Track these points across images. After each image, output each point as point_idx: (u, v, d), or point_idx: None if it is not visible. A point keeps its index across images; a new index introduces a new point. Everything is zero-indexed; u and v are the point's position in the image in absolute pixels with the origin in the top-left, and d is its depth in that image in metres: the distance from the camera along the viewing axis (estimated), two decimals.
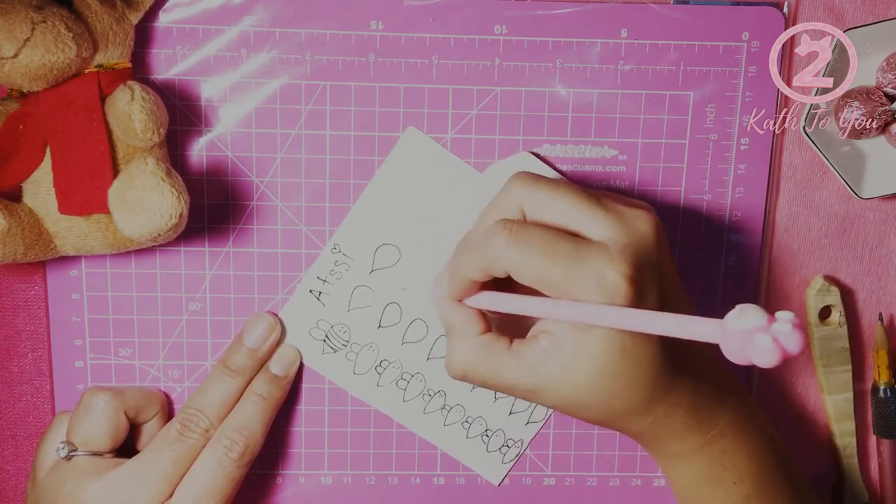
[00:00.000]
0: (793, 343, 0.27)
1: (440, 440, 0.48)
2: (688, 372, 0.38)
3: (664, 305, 0.36)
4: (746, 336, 0.27)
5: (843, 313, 0.48)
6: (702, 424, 0.39)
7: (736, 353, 0.28)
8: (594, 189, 0.39)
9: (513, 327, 0.40)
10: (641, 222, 0.37)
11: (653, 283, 0.36)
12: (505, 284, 0.39)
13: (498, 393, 0.48)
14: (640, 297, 0.35)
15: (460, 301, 0.39)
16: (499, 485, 0.49)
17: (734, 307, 0.28)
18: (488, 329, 0.39)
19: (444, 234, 0.46)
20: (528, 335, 0.38)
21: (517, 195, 0.38)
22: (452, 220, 0.46)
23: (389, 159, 0.46)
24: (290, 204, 0.46)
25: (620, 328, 0.34)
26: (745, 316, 0.28)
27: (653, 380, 0.37)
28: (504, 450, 0.49)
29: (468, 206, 0.46)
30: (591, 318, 0.34)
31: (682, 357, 0.38)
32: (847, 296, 0.50)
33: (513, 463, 0.49)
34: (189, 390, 0.47)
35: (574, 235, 0.36)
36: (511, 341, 0.38)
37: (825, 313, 0.49)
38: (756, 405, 0.43)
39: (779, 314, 0.28)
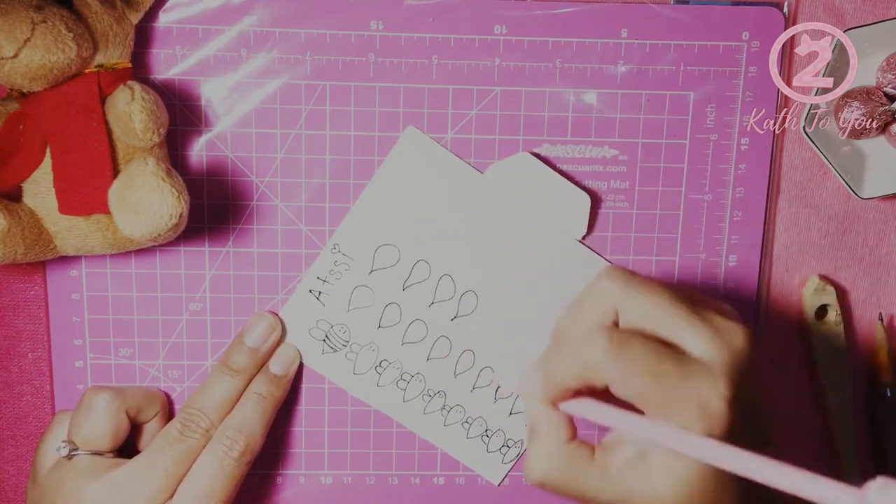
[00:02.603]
0: None
1: (440, 440, 0.48)
2: (766, 493, 0.38)
3: (759, 430, 0.36)
4: None
5: (839, 312, 0.48)
6: None
7: None
8: (686, 289, 0.37)
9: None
10: (740, 338, 0.35)
11: (751, 407, 0.35)
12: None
13: (498, 393, 0.48)
14: (739, 425, 0.34)
15: (553, 404, 0.37)
16: (499, 485, 0.49)
17: (875, 479, 0.27)
18: (575, 436, 0.37)
19: (444, 234, 0.46)
20: (607, 440, 0.37)
21: (611, 295, 0.36)
22: (452, 221, 0.46)
23: (389, 159, 0.46)
24: (290, 204, 0.46)
25: (743, 474, 0.32)
26: (889, 492, 0.26)
27: (740, 497, 0.35)
28: (504, 450, 0.49)
29: (468, 207, 0.46)
30: (711, 456, 0.32)
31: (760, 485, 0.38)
32: (846, 295, 0.50)
33: (513, 463, 0.49)
34: (189, 390, 0.47)
35: (672, 348, 0.35)
36: (593, 449, 0.36)
37: (822, 312, 0.49)
38: None
39: None
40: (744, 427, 0.34)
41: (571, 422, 0.37)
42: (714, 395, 0.33)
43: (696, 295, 0.38)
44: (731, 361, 0.34)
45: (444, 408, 0.48)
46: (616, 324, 0.36)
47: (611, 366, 0.34)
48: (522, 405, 0.39)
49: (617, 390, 0.34)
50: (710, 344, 0.34)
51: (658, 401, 0.34)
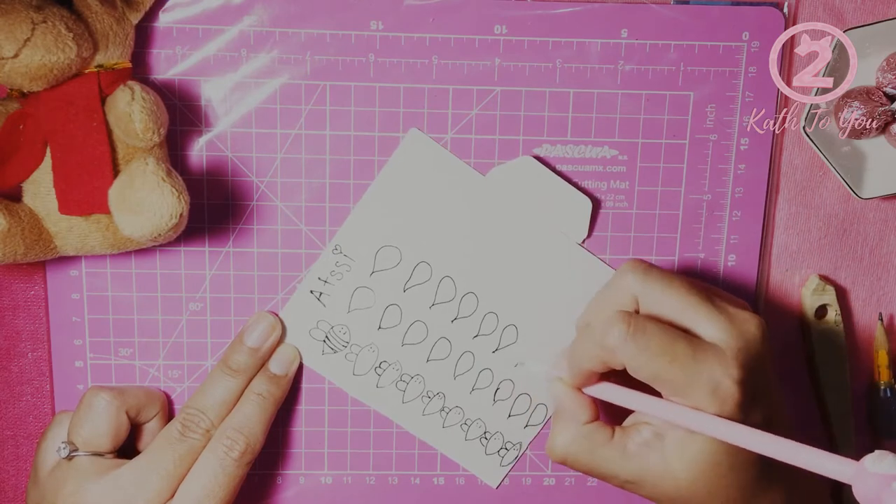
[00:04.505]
0: None
1: (439, 442, 0.48)
2: (782, 478, 0.39)
3: (769, 411, 0.37)
4: (883, 480, 0.28)
5: (839, 312, 0.48)
6: None
7: (868, 495, 0.28)
8: (703, 282, 0.39)
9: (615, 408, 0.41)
10: (752, 326, 0.37)
11: (761, 390, 0.37)
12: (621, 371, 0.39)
13: (498, 395, 0.48)
14: (750, 406, 0.36)
15: (579, 389, 0.40)
16: (497, 487, 0.49)
17: (872, 452, 0.29)
18: (596, 417, 0.40)
19: (446, 236, 0.46)
20: (628, 422, 0.39)
21: (631, 285, 0.38)
22: (454, 223, 0.46)
23: (392, 161, 0.46)
24: (290, 204, 0.46)
25: (752, 450, 0.34)
26: (884, 461, 0.28)
27: (753, 481, 0.37)
28: (503, 452, 0.49)
29: (470, 209, 0.46)
30: (723, 434, 0.34)
31: (778, 463, 0.38)
32: (846, 295, 0.50)
33: (511, 465, 0.49)
34: (189, 390, 0.47)
35: (687, 333, 0.37)
36: (613, 430, 0.39)
37: (821, 312, 0.49)
38: None
39: None
40: (752, 409, 0.36)
41: (594, 404, 0.40)
42: (725, 377, 0.35)
43: (712, 288, 0.39)
44: (742, 347, 0.36)
45: (443, 409, 0.48)
46: (636, 312, 0.38)
47: (628, 348, 0.35)
48: (549, 392, 0.41)
49: (634, 372, 0.36)
50: (722, 330, 0.36)
51: (672, 381, 0.35)
